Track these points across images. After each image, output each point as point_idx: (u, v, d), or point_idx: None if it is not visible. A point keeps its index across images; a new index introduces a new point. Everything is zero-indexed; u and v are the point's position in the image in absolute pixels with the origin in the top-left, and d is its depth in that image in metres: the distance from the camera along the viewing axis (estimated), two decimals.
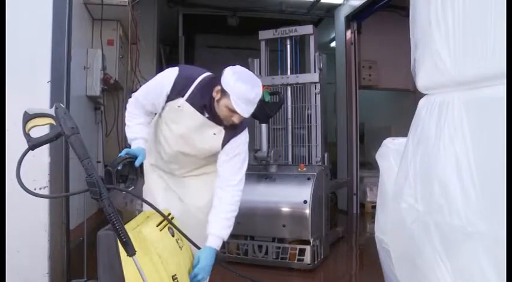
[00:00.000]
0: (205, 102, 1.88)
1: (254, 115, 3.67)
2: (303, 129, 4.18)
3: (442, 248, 1.44)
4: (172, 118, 1.96)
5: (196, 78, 1.91)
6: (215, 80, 1.86)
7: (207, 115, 1.92)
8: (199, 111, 1.91)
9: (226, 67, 1.85)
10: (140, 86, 2.06)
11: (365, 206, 5.96)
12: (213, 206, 1.96)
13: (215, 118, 1.90)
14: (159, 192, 2.10)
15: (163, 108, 1.95)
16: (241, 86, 1.75)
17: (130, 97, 2.00)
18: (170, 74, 1.90)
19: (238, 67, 1.85)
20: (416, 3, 1.76)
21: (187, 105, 1.90)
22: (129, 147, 1.89)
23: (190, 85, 1.89)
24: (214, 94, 1.83)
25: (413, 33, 1.79)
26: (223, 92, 1.79)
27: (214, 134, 1.95)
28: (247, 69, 1.87)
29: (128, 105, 1.98)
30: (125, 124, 1.98)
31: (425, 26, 1.64)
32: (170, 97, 1.90)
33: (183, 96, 1.89)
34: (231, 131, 1.95)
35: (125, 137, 2.02)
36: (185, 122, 1.94)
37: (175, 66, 1.96)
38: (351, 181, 5.80)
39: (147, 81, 2.03)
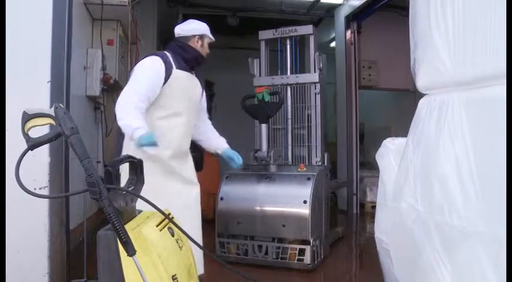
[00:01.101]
0: (194, 55, 2.39)
1: (254, 115, 3.74)
2: (303, 129, 4.17)
3: (442, 248, 1.44)
4: (183, 88, 2.35)
5: (166, 53, 2.34)
6: (179, 45, 2.39)
7: (192, 71, 2.42)
8: (188, 71, 2.38)
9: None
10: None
11: (365, 206, 5.95)
12: (207, 135, 2.67)
13: (194, 68, 2.42)
14: (178, 189, 2.39)
15: (170, 88, 2.27)
16: (201, 23, 2.47)
17: (119, 102, 2.19)
18: (154, 59, 2.28)
19: (184, 22, 2.50)
20: (416, 3, 1.76)
21: (180, 71, 2.32)
22: (122, 146, 2.22)
23: (169, 58, 2.31)
24: (195, 45, 2.40)
25: (413, 33, 1.79)
26: (201, 37, 2.43)
27: (196, 81, 2.45)
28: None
29: (124, 108, 2.17)
30: (120, 133, 2.24)
31: (425, 26, 1.64)
32: (167, 73, 2.26)
33: (174, 68, 2.30)
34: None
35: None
36: (188, 85, 2.39)
37: (146, 57, 2.34)
38: (351, 181, 5.80)
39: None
